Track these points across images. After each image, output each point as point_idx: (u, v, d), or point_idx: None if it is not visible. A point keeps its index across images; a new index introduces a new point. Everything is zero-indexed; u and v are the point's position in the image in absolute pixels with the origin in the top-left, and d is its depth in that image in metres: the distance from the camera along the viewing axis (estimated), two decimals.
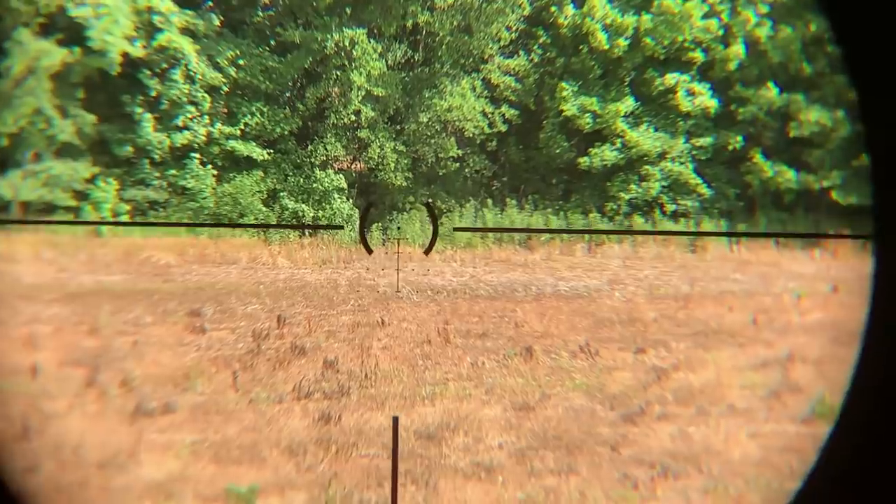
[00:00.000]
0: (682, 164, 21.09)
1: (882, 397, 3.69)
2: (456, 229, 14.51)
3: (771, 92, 20.84)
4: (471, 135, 20.63)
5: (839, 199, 20.02)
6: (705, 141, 21.22)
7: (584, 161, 20.88)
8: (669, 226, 20.87)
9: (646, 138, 20.91)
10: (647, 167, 20.87)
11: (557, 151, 21.09)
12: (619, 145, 20.84)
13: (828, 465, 3.86)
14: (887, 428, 3.64)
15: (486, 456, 8.58)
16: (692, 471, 8.87)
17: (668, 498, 8.27)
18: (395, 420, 7.94)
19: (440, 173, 20.47)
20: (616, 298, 15.78)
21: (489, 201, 20.12)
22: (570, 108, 20.74)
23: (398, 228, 17.17)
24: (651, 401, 10.95)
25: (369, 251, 13.18)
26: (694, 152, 21.22)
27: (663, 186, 20.91)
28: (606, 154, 20.72)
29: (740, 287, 16.76)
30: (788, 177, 20.64)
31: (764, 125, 21.25)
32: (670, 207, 21.04)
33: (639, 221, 20.91)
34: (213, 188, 19.85)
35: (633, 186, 20.84)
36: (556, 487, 8.00)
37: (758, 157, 21.03)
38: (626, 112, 20.97)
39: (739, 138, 21.22)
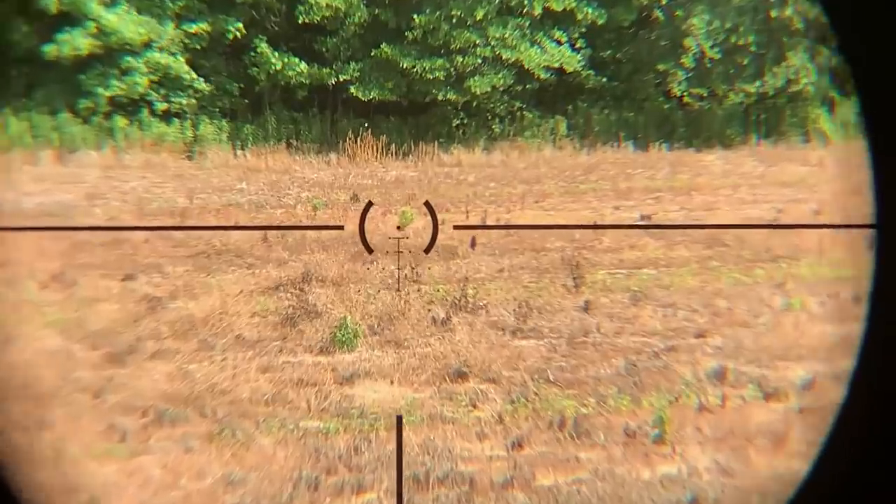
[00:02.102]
0: (172, 54, 20.87)
1: (883, 391, 4.16)
2: (456, 227, 14.64)
3: None
4: None
5: (359, 95, 21.31)
6: (200, 27, 21.11)
7: (50, 50, 19.56)
8: (162, 128, 20.66)
9: (126, 23, 20.22)
10: (129, 58, 20.33)
11: (16, 38, 19.51)
12: (93, 31, 19.88)
13: (828, 461, 4.40)
14: (889, 422, 4.11)
15: None
16: (193, 415, 9.11)
17: (164, 448, 8.37)
18: (399, 419, 8.95)
19: None
20: (97, 216, 15.72)
21: None
22: None
23: None
24: (143, 336, 11.06)
25: (370, 251, 13.54)
26: (186, 41, 21.05)
27: (152, 81, 20.53)
28: (79, 41, 19.70)
29: (248, 199, 17.45)
30: (300, 69, 21.44)
31: (267, 8, 21.73)
32: (161, 106, 20.73)
33: (122, 122, 20.31)
34: None
35: (114, 81, 20.14)
36: (25, 445, 8.07)
37: (263, 47, 21.47)
38: None
39: (239, 25, 21.40)
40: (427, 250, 13.67)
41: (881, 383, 4.28)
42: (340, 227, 14.98)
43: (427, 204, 14.95)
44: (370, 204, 15.75)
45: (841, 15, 4.44)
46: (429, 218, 14.72)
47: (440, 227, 14.40)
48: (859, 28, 4.28)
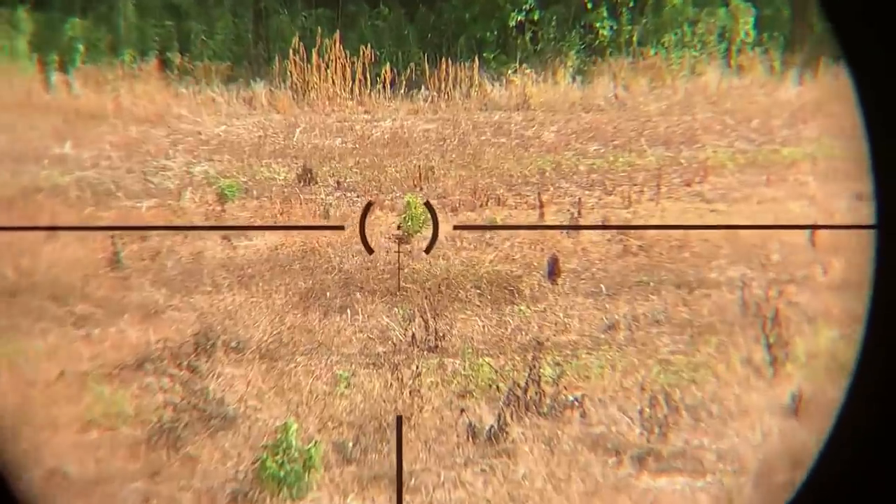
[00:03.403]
0: None
1: (883, 393, 7.23)
2: (456, 227, 15.99)
3: None
4: None
5: None
6: None
7: None
8: None
9: None
10: None
11: None
12: None
13: (827, 462, 7.55)
14: (889, 423, 7.12)
15: None
16: None
17: None
18: (399, 419, 11.77)
19: None
20: None
21: None
22: None
23: None
24: None
25: (370, 251, 14.97)
26: None
27: None
28: None
29: (77, 177, 17.85)
30: None
31: None
32: None
33: None
34: None
35: None
36: None
37: None
38: None
39: None
40: (427, 250, 14.70)
41: (881, 384, 7.26)
42: (340, 228, 15.67)
43: (427, 205, 15.57)
44: (370, 205, 16.05)
45: (843, 16, 7.31)
46: (451, 225, 15.47)
47: (493, 243, 15.16)
48: (862, 30, 7.15)
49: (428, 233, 15.27)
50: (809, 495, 7.54)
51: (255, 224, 16.22)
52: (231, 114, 20.47)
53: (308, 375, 12.89)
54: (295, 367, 13.03)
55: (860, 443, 7.21)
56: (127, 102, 20.49)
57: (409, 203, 15.80)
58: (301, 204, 16.66)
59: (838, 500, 7.30)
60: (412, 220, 15.53)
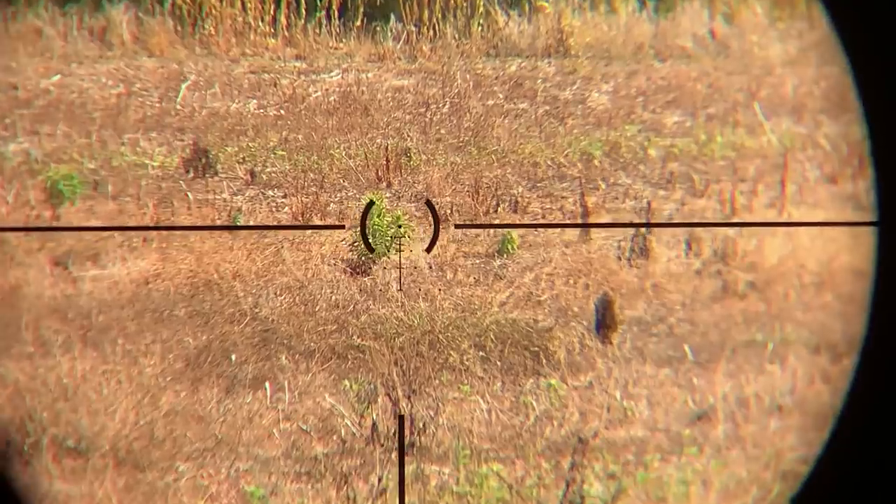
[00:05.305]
0: None
1: (884, 391, 11.75)
2: (457, 226, 16.25)
3: None
4: None
5: None
6: None
7: None
8: None
9: None
10: None
11: None
12: None
13: (830, 461, 11.81)
14: (890, 422, 11.58)
15: None
16: None
17: None
18: (401, 419, 13.25)
19: None
20: None
21: None
22: None
23: None
24: None
25: (371, 250, 15.42)
26: None
27: None
28: None
29: None
30: None
31: None
32: None
33: None
34: None
35: None
36: None
37: None
38: None
39: None
40: (429, 249, 15.18)
41: (882, 383, 11.16)
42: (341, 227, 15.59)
43: (429, 204, 15.77)
44: (370, 205, 15.59)
45: (844, 17, 11.61)
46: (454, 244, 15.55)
47: (506, 275, 15.01)
48: (863, 31, 11.38)
49: (398, 258, 15.04)
50: (811, 492, 10.43)
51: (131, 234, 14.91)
52: (70, 56, 18.93)
53: (197, 494, 11.68)
54: (175, 480, 11.90)
55: (860, 442, 10.05)
56: None
57: (370, 208, 14.56)
58: (190, 208, 15.20)
59: (838, 500, 10.13)
60: (376, 236, 14.34)
